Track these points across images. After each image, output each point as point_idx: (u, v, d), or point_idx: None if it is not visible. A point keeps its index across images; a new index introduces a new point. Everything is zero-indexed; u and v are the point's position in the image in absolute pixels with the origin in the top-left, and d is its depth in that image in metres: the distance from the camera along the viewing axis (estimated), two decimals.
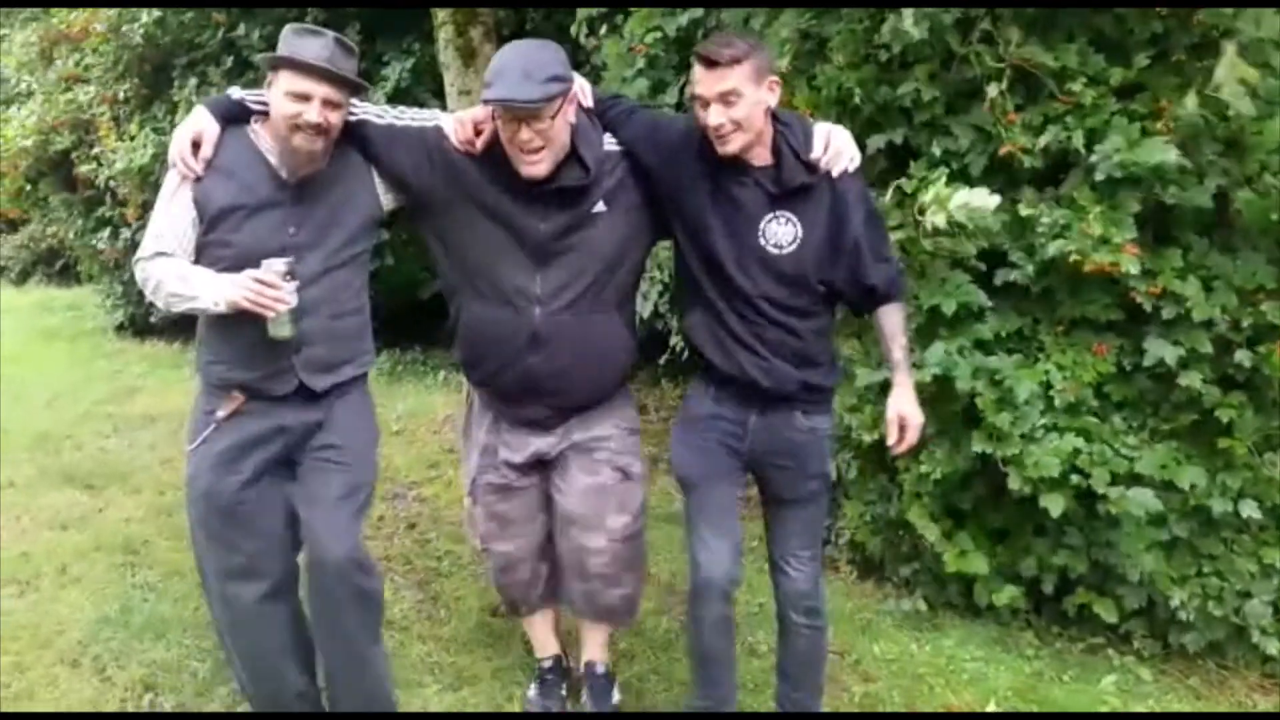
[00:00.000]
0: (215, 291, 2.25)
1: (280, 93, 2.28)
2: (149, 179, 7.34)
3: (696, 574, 2.52)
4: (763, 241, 2.37)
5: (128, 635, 3.27)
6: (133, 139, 7.31)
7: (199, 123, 2.34)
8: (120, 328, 8.74)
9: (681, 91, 3.99)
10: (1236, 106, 2.74)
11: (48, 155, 8.30)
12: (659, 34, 4.11)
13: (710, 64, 2.25)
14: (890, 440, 2.42)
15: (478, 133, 2.43)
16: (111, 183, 7.75)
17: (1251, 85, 2.68)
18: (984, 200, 2.74)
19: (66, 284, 12.35)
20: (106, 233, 8.17)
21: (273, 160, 2.37)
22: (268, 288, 2.22)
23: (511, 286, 2.46)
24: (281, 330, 2.27)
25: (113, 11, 7.40)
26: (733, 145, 2.31)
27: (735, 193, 2.38)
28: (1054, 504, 3.02)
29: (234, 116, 2.38)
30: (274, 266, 2.23)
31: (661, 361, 4.81)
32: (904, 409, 2.41)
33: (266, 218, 2.34)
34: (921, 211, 2.92)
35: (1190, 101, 2.79)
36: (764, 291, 2.38)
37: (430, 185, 2.47)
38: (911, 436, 2.41)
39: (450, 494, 4.60)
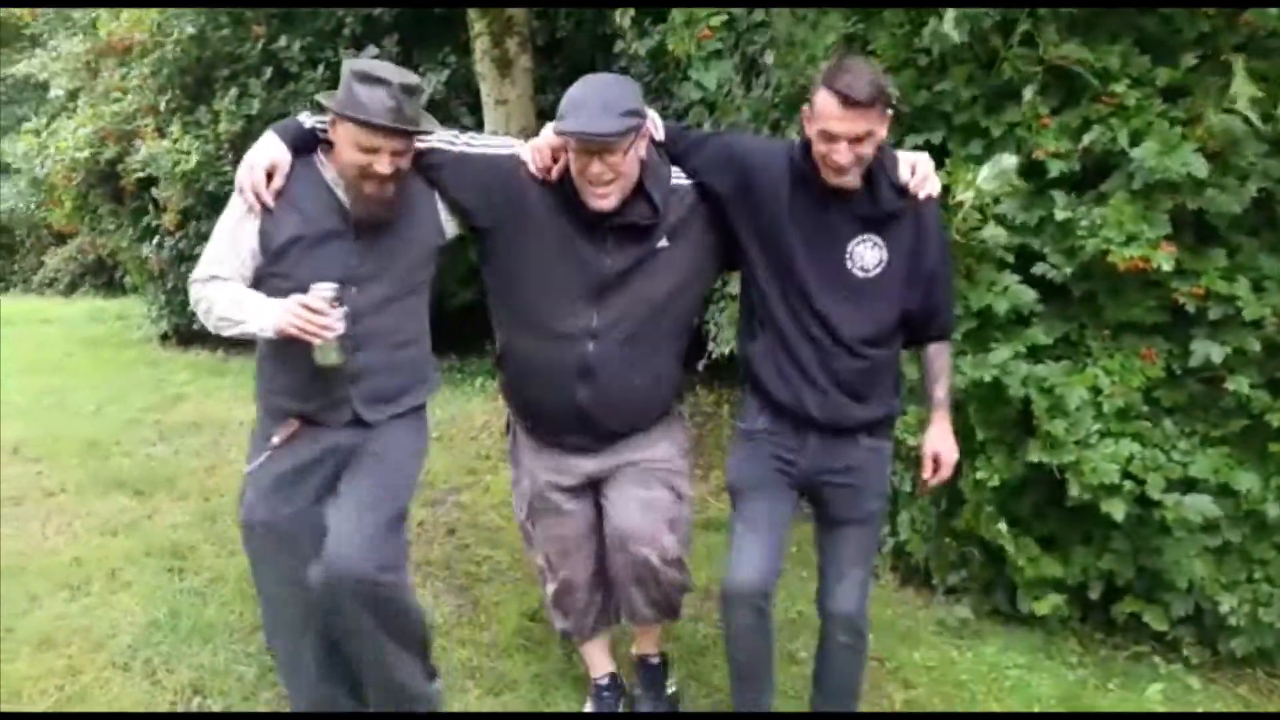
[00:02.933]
0: (265, 317, 2.23)
1: (348, 143, 2.24)
2: (192, 185, 7.47)
3: (728, 579, 2.50)
4: (849, 264, 2.35)
5: (176, 640, 3.33)
6: (176, 142, 7.44)
7: (272, 152, 2.31)
8: (165, 337, 8.91)
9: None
10: (1250, 117, 2.79)
11: (97, 167, 8.47)
12: (723, 16, 4.07)
13: (851, 104, 2.18)
14: (926, 474, 2.47)
15: (554, 159, 2.41)
16: (154, 191, 7.90)
17: (1261, 100, 2.76)
18: (1005, 162, 2.84)
19: (114, 294, 12.60)
20: (152, 242, 8.33)
21: (339, 192, 2.35)
22: (314, 314, 2.20)
23: (568, 319, 2.45)
24: (328, 358, 2.24)
25: (153, 25, 7.55)
26: (851, 180, 2.28)
27: (821, 217, 2.35)
28: (1116, 509, 3.00)
29: (304, 145, 2.36)
30: (321, 292, 2.21)
31: (700, 367, 4.79)
32: (940, 447, 2.46)
33: (329, 249, 2.33)
34: (954, 200, 2.96)
35: (1212, 114, 2.82)
36: (843, 316, 2.36)
37: (496, 214, 2.46)
38: (945, 474, 2.47)
39: (488, 500, 4.64)
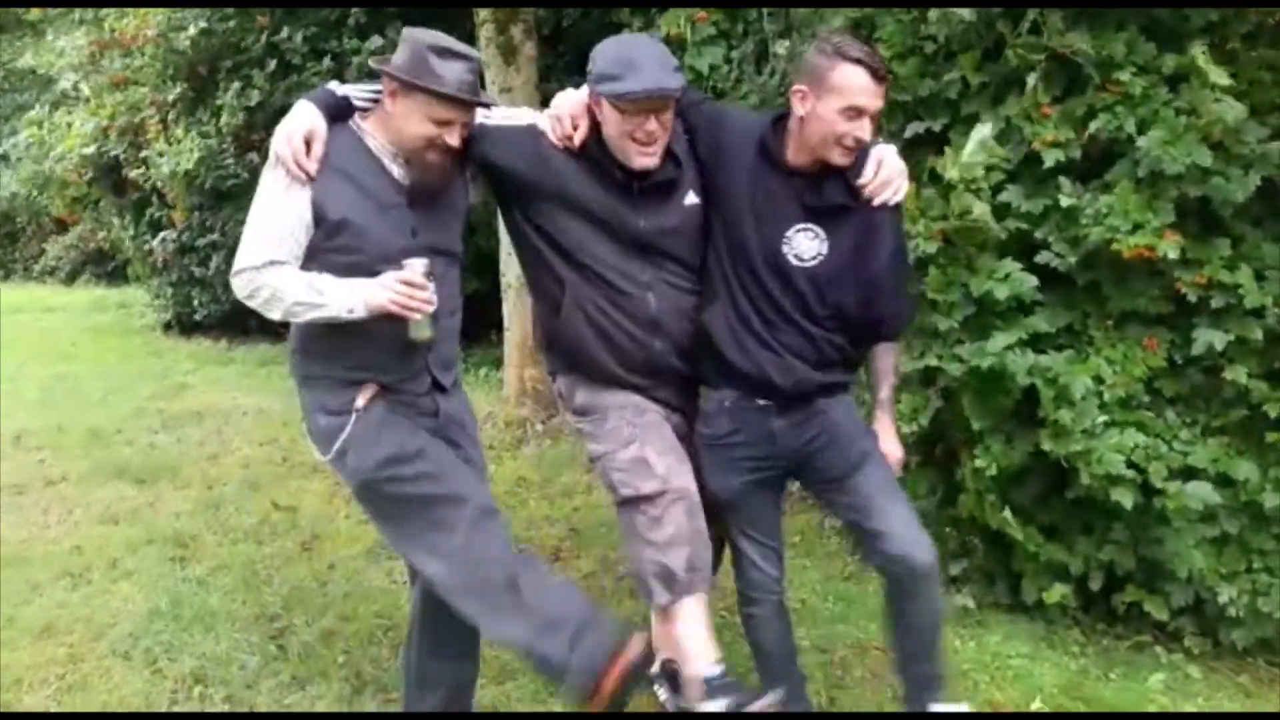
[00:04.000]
0: (350, 298, 2.18)
1: (419, 114, 2.21)
2: (194, 182, 7.49)
3: (744, 583, 2.58)
4: (785, 249, 2.33)
5: (178, 628, 3.33)
6: (179, 143, 7.44)
7: (308, 119, 2.23)
8: (167, 326, 8.93)
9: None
10: (1220, 113, 2.80)
11: (101, 160, 8.48)
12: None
13: (880, 78, 2.18)
14: None
15: (575, 127, 2.39)
16: (159, 184, 7.91)
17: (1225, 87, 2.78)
18: (982, 132, 2.91)
19: (115, 283, 12.61)
20: (156, 234, 8.34)
21: (385, 161, 2.30)
22: (416, 289, 2.18)
23: (624, 277, 2.44)
24: (423, 332, 2.23)
25: (162, 19, 7.54)
26: (851, 160, 2.29)
27: (774, 193, 2.34)
28: (1125, 499, 2.99)
29: (339, 113, 2.30)
30: (417, 267, 2.19)
31: None
32: (886, 447, 2.48)
33: (389, 221, 2.28)
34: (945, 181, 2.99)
35: (1212, 101, 2.82)
36: (784, 296, 2.35)
37: (532, 183, 2.43)
38: (894, 472, 2.50)
39: (492, 490, 4.61)
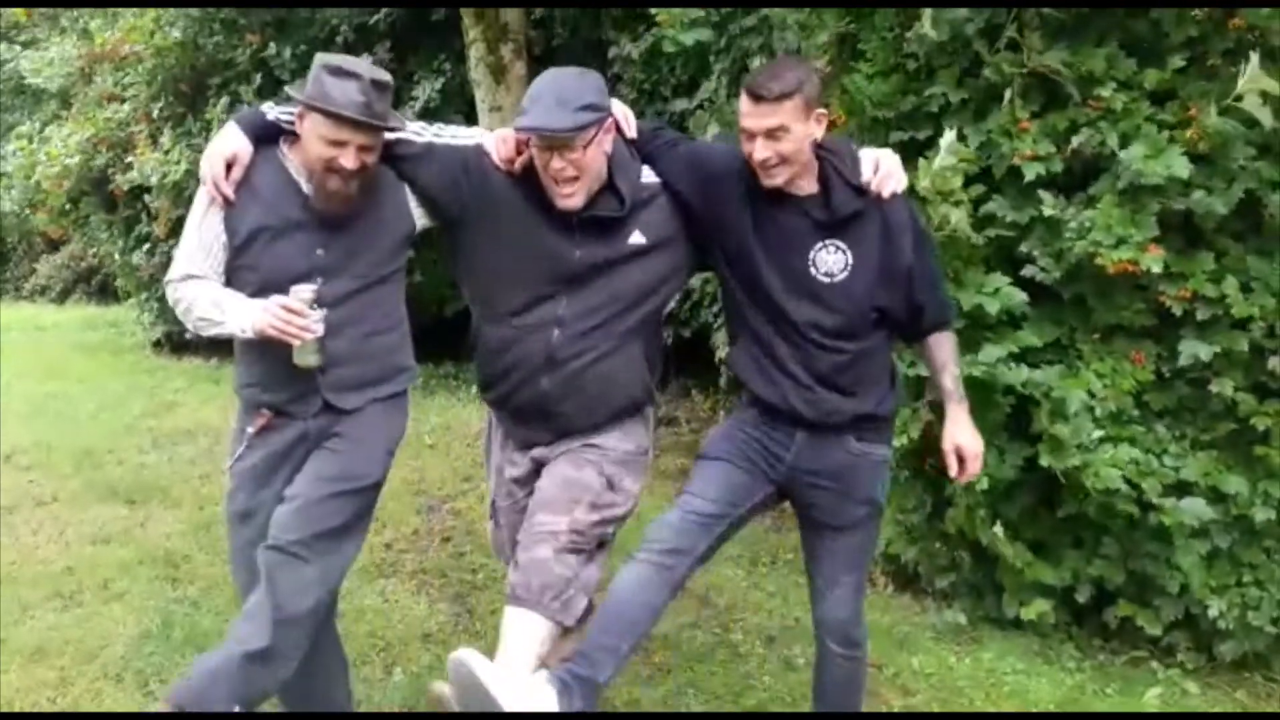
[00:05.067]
0: (244, 317, 2.22)
1: (314, 135, 2.22)
2: (183, 194, 7.47)
3: (652, 533, 2.35)
4: (813, 271, 2.32)
5: (169, 650, 3.31)
6: (167, 153, 7.44)
7: (233, 143, 2.30)
8: (157, 344, 8.89)
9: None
10: (1257, 117, 2.76)
11: (89, 174, 8.46)
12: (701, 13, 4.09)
13: (757, 99, 2.21)
14: (951, 472, 2.37)
15: (519, 151, 2.39)
16: (147, 198, 7.90)
17: (1275, 96, 2.69)
18: (948, 138, 2.97)
19: (106, 302, 12.56)
20: (144, 249, 8.32)
21: (302, 183, 2.33)
22: (294, 315, 2.19)
23: (535, 308, 2.42)
24: (307, 358, 2.25)
25: (148, 32, 7.55)
26: (778, 179, 2.28)
27: (782, 222, 2.33)
28: (1128, 511, 3.01)
29: (266, 135, 2.34)
30: (300, 294, 2.21)
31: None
32: (961, 439, 2.35)
33: (293, 240, 2.30)
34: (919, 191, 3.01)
35: (1213, 112, 2.80)
36: (813, 319, 2.33)
37: (464, 204, 2.43)
38: (973, 467, 2.36)
39: (484, 507, 4.61)
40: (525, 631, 2.30)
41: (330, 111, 2.19)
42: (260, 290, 2.27)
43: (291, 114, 2.33)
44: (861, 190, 2.32)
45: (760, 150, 2.23)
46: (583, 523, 2.37)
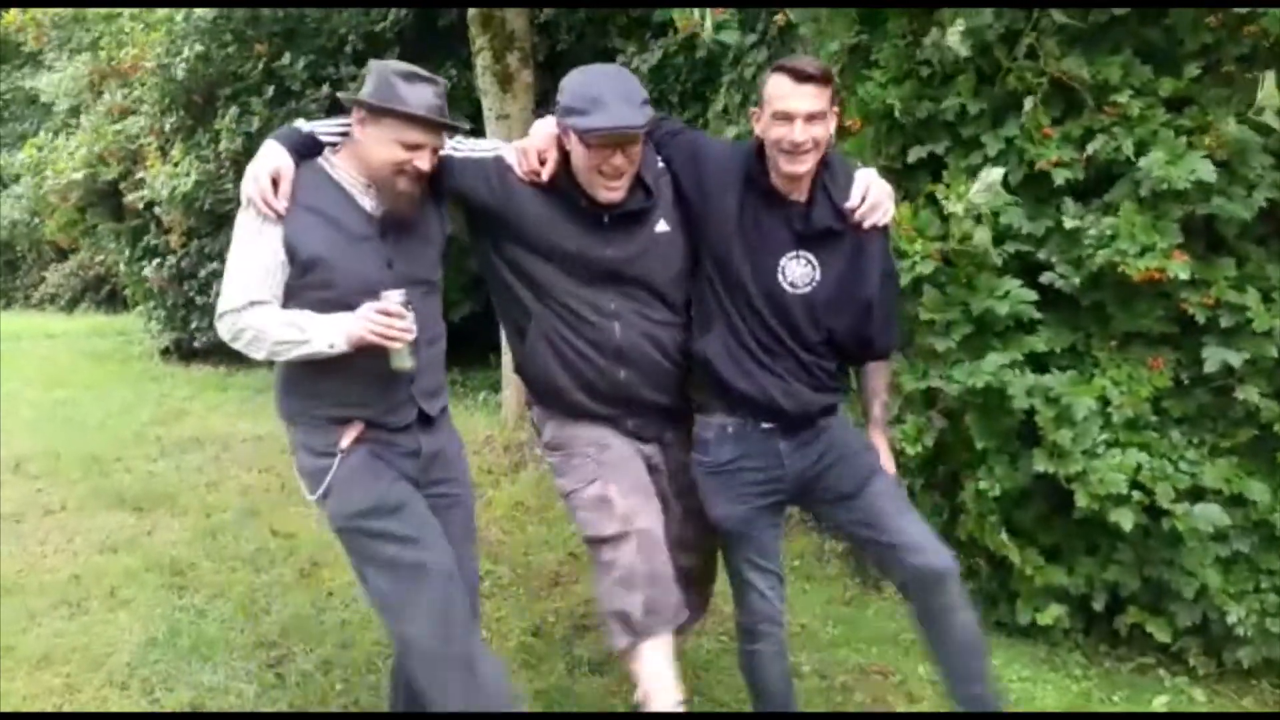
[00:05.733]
0: (331, 332, 2.18)
1: (387, 139, 2.21)
2: (193, 205, 7.52)
3: (748, 616, 2.52)
4: (780, 278, 2.34)
5: (175, 657, 3.31)
6: (176, 165, 7.48)
7: (275, 159, 2.24)
8: (166, 352, 8.93)
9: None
10: (1276, 128, 2.75)
11: (97, 186, 8.51)
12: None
13: (804, 79, 2.22)
14: None
15: (542, 162, 2.39)
16: (157, 209, 7.94)
17: None
18: (993, 176, 2.93)
19: (114, 310, 12.63)
20: (153, 260, 8.36)
21: (355, 194, 2.30)
22: (393, 319, 2.17)
23: (586, 306, 2.42)
24: (404, 362, 2.23)
25: (160, 47, 7.59)
26: (805, 165, 2.27)
27: (764, 223, 2.35)
28: (1125, 519, 2.97)
29: (305, 150, 2.30)
30: (394, 298, 2.19)
31: None
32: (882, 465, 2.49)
33: (361, 254, 2.28)
34: (948, 210, 3.01)
35: (1231, 121, 2.79)
36: (780, 322, 2.35)
37: (497, 215, 2.43)
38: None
39: (491, 514, 4.62)
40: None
41: (411, 114, 2.20)
42: (330, 307, 2.22)
43: (334, 127, 2.33)
44: (843, 214, 2.33)
45: (800, 133, 2.23)
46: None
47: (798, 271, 2.34)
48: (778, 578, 2.52)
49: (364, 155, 2.27)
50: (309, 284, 2.24)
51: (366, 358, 2.21)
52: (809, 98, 2.22)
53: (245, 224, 2.25)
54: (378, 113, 2.22)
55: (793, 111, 2.22)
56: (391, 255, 2.31)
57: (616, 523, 2.38)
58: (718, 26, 3.62)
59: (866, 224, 2.34)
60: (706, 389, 2.46)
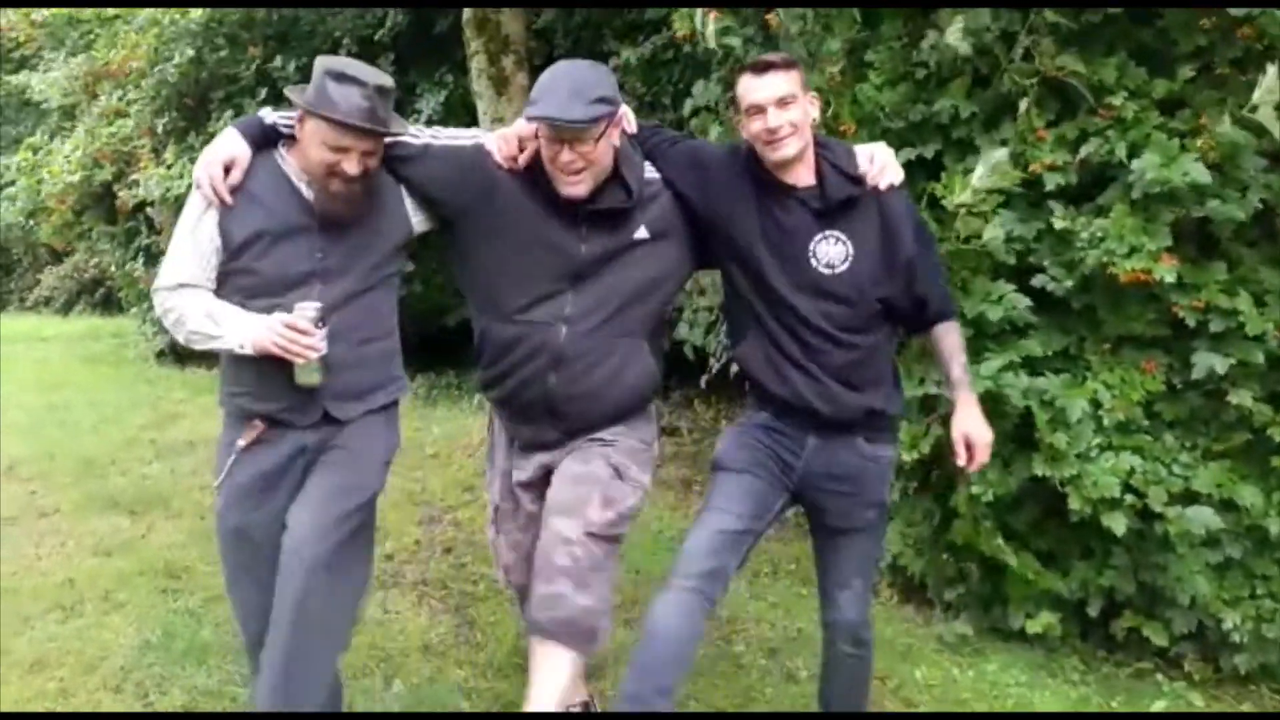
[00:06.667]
0: (242, 333, 2.19)
1: (317, 140, 2.20)
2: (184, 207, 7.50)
3: (679, 555, 2.36)
4: (814, 262, 2.33)
5: (169, 661, 3.29)
6: (169, 167, 7.46)
7: (231, 147, 2.25)
8: (160, 354, 8.91)
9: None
10: (1270, 129, 2.76)
11: (91, 188, 8.49)
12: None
13: (764, 68, 2.29)
14: (960, 461, 2.34)
15: (521, 149, 2.38)
16: (149, 210, 7.93)
17: None
18: (997, 155, 2.94)
19: (109, 313, 12.60)
20: (144, 260, 8.35)
21: (301, 187, 2.30)
22: (299, 334, 2.16)
23: (541, 305, 2.40)
24: (309, 377, 2.22)
25: (151, 49, 7.58)
26: (791, 149, 2.29)
27: (780, 216, 2.35)
28: (1116, 523, 2.98)
29: (265, 140, 2.31)
30: (306, 312, 2.18)
31: (703, 382, 4.72)
32: (969, 428, 2.33)
33: (293, 244, 2.27)
34: (952, 206, 3.02)
35: (1226, 122, 2.79)
36: (821, 312, 2.33)
37: (465, 203, 2.41)
38: (981, 455, 2.33)
39: (484, 516, 4.60)
40: (556, 670, 2.34)
41: (333, 118, 2.17)
42: (256, 294, 2.25)
43: (291, 118, 2.31)
44: (857, 179, 2.34)
45: (773, 118, 2.26)
46: (597, 523, 2.36)
47: (831, 251, 2.33)
48: (736, 538, 2.34)
49: (302, 152, 2.28)
50: (238, 269, 2.27)
51: (276, 362, 2.21)
52: (772, 85, 2.27)
53: (191, 206, 2.29)
54: (308, 113, 2.22)
55: (761, 102, 2.27)
56: (325, 246, 2.30)
57: (502, 570, 2.81)
58: (721, 31, 3.63)
59: (883, 184, 2.34)
60: (751, 390, 2.51)
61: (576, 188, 2.32)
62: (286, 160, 2.32)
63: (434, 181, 2.42)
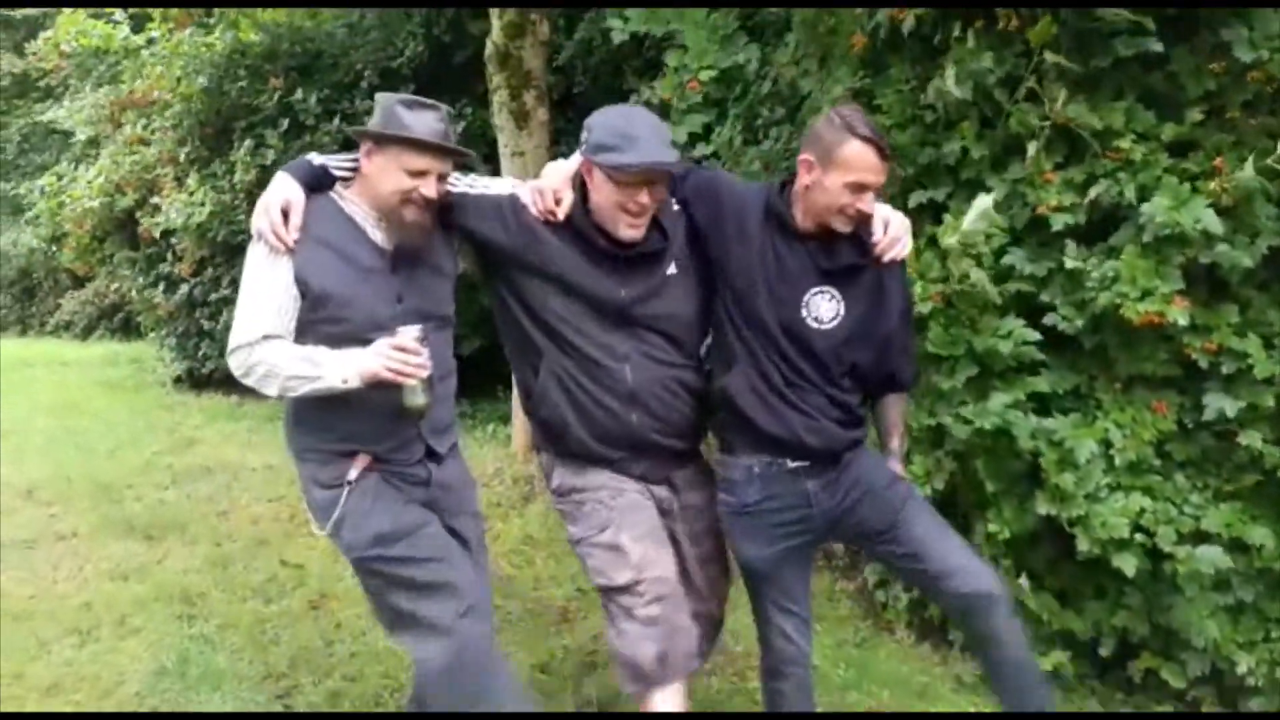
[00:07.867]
0: (344, 367, 2.17)
1: (394, 167, 2.23)
2: (206, 235, 7.60)
3: (772, 657, 2.53)
4: (804, 314, 2.36)
5: (184, 687, 3.31)
6: (192, 195, 7.56)
7: (285, 191, 2.24)
8: (178, 380, 8.97)
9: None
10: (1242, 180, 2.78)
11: (113, 214, 8.61)
12: (712, 71, 4.22)
13: (885, 156, 2.28)
14: None
15: (557, 201, 2.42)
16: (172, 239, 8.03)
17: None
18: (984, 203, 2.95)
19: (128, 338, 12.70)
20: (164, 287, 8.44)
21: (367, 228, 2.31)
22: (409, 354, 2.17)
23: (598, 345, 2.43)
24: (417, 399, 2.21)
25: (174, 79, 7.73)
26: (850, 227, 2.34)
27: (786, 260, 2.38)
28: (1126, 564, 2.97)
29: (317, 183, 2.31)
30: (410, 333, 2.19)
31: None
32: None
33: (372, 287, 2.28)
34: (943, 245, 3.05)
35: (1248, 168, 2.80)
36: (805, 359, 2.37)
37: (510, 252, 2.44)
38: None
39: (500, 548, 4.62)
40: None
41: (416, 140, 2.22)
42: (342, 340, 2.23)
43: (344, 159, 2.34)
44: (865, 248, 2.37)
45: (867, 205, 2.30)
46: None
47: (824, 307, 2.37)
48: (803, 620, 2.51)
49: (372, 186, 2.29)
50: (321, 318, 2.24)
51: (378, 393, 2.20)
52: (882, 173, 2.29)
53: (256, 257, 2.25)
54: (383, 141, 2.25)
55: (872, 184, 2.28)
56: (402, 290, 2.32)
57: (629, 571, 2.38)
58: (680, 114, 3.79)
59: (888, 258, 2.37)
60: (731, 428, 2.46)
61: (637, 230, 2.37)
62: (348, 201, 2.33)
63: (477, 229, 2.46)
